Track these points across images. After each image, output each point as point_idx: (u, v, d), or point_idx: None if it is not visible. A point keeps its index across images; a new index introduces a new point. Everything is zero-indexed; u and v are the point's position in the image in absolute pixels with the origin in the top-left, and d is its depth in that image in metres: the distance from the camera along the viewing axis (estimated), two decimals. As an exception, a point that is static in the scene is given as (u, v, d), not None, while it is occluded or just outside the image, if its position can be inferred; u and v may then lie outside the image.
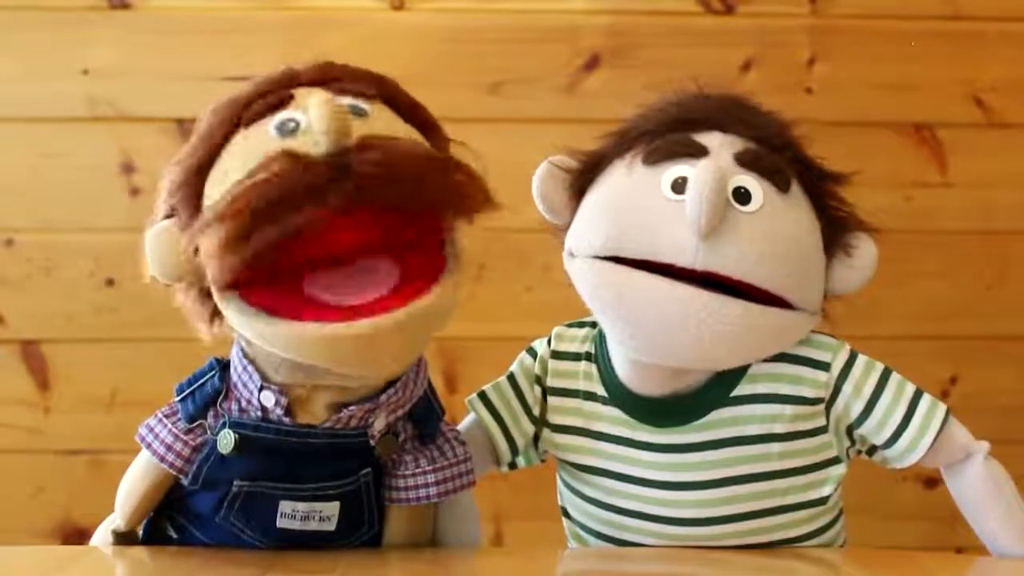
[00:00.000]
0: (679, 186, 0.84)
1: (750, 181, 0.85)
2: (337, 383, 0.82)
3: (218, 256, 0.76)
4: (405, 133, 0.82)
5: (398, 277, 0.78)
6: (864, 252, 0.88)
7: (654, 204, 0.85)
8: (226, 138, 0.80)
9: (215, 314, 0.82)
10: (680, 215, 0.83)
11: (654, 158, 0.87)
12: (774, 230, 0.84)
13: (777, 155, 0.87)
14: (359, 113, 0.79)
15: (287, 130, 0.78)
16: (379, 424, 0.84)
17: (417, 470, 0.86)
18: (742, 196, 0.85)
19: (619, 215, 0.86)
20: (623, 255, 0.85)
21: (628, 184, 0.87)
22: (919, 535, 1.55)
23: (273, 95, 0.81)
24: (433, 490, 0.86)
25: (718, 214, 0.82)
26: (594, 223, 0.87)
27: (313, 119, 0.76)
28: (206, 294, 0.81)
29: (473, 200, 0.80)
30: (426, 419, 0.88)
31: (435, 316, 0.78)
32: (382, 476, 0.86)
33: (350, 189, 0.75)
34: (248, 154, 0.78)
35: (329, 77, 0.82)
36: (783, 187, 0.86)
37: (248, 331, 0.79)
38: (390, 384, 0.84)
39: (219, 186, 0.79)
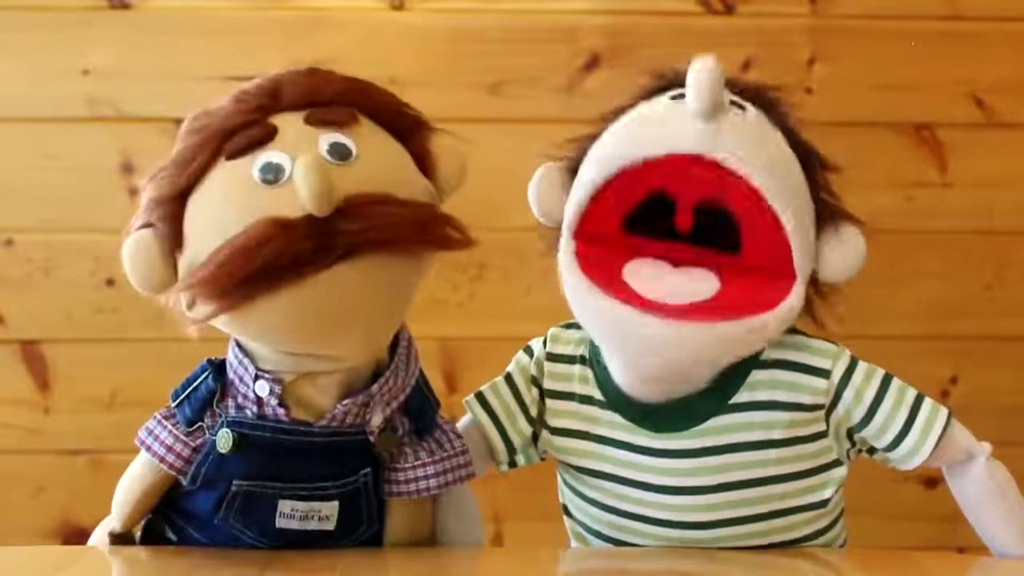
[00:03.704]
0: (679, 95, 0.85)
1: (741, 100, 0.87)
2: (326, 368, 0.83)
3: (203, 306, 0.79)
4: (391, 152, 0.83)
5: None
6: (851, 239, 0.87)
7: (653, 114, 0.87)
8: (208, 164, 0.81)
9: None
10: (681, 113, 0.84)
11: (649, 93, 0.89)
12: (769, 139, 0.86)
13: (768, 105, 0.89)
14: (343, 156, 0.80)
15: (271, 178, 0.79)
16: (376, 419, 0.85)
17: (416, 462, 0.86)
18: (736, 102, 0.86)
19: (615, 141, 0.87)
20: (615, 168, 0.85)
21: (626, 117, 0.88)
22: (919, 535, 1.55)
23: (256, 128, 0.80)
24: (433, 482, 0.86)
25: (719, 90, 0.83)
26: (589, 162, 0.87)
27: (299, 182, 0.76)
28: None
29: (455, 246, 0.81)
30: (422, 412, 0.88)
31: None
32: (381, 471, 0.87)
33: (333, 257, 0.77)
34: (231, 197, 0.79)
35: (313, 99, 0.82)
36: (775, 123, 0.88)
37: None
38: (380, 373, 0.85)
39: (201, 212, 0.80)
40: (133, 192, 1.52)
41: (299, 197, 0.76)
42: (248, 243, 0.76)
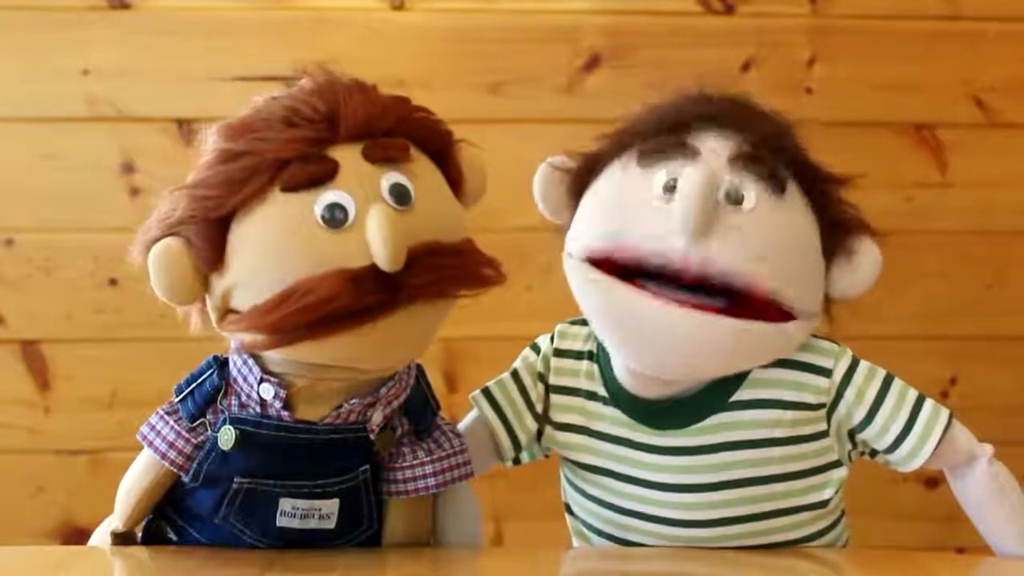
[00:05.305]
0: (670, 187, 0.84)
1: (743, 183, 0.85)
2: (338, 376, 0.83)
3: (252, 337, 0.79)
4: (439, 189, 0.84)
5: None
6: (866, 257, 0.88)
7: (646, 205, 0.85)
8: (260, 191, 0.79)
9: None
10: (671, 216, 0.83)
11: (647, 159, 0.87)
12: (766, 231, 0.84)
13: (774, 157, 0.87)
14: (403, 198, 0.80)
15: (334, 220, 0.78)
16: (377, 418, 0.85)
17: (415, 461, 0.87)
18: (733, 198, 0.84)
19: (613, 216, 0.86)
20: (616, 256, 0.85)
21: (622, 185, 0.88)
22: (919, 535, 1.56)
23: (316, 164, 0.79)
24: (432, 480, 0.87)
25: (706, 217, 0.82)
26: (589, 225, 0.88)
27: (374, 239, 0.77)
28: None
29: (493, 285, 0.83)
30: (422, 413, 0.88)
31: None
32: (380, 471, 0.87)
33: (394, 308, 0.78)
34: (291, 236, 0.78)
35: (369, 130, 0.81)
36: (778, 190, 0.86)
37: None
38: (390, 377, 0.85)
39: (254, 243, 0.79)
40: (134, 192, 1.52)
41: (371, 252, 0.77)
42: (317, 299, 0.77)
